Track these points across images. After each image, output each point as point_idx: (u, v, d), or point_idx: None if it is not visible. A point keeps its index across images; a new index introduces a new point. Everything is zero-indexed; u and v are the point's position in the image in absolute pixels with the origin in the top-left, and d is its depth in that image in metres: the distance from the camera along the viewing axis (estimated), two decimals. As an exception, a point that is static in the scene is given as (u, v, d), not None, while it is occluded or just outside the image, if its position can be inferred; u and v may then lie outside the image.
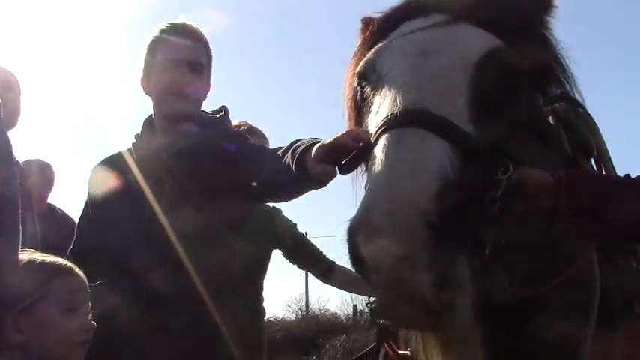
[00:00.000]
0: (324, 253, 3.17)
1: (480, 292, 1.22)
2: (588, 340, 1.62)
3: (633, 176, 1.52)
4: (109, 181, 2.16)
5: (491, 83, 1.38)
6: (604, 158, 1.87)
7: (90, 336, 1.55)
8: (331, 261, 3.10)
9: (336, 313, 22.09)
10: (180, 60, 2.11)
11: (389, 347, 1.82)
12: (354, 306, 21.26)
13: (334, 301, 49.77)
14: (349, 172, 1.48)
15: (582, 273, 1.63)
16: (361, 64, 1.56)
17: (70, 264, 1.58)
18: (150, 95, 2.20)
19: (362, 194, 1.30)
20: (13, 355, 1.39)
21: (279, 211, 3.08)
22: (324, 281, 3.14)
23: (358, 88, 1.58)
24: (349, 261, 1.22)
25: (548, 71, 1.55)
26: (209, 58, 2.21)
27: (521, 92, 1.46)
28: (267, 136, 3.11)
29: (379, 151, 1.23)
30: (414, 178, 1.14)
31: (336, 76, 1.79)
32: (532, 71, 1.47)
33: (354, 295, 24.56)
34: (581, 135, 1.73)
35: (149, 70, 2.18)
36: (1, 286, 1.36)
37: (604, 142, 1.87)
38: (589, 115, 1.78)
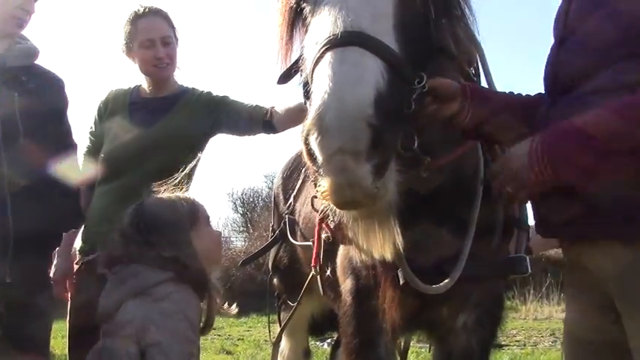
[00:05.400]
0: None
1: (408, 175, 1.57)
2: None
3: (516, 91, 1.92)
4: None
5: (410, 8, 1.63)
6: (485, 68, 2.16)
7: None
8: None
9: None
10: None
11: (327, 227, 2.20)
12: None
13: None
14: (285, 83, 1.80)
15: (470, 157, 2.07)
16: None
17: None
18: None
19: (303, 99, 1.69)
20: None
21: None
22: (269, 131, 2.98)
23: (295, 7, 1.76)
24: (305, 157, 1.49)
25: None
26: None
27: (431, 15, 1.71)
28: None
29: (325, 66, 1.45)
30: (358, 89, 1.40)
31: None
32: None
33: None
34: (463, 45, 1.97)
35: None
36: None
37: (483, 51, 2.14)
38: (470, 29, 1.99)
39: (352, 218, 1.63)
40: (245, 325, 10.63)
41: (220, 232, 2.34)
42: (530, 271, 2.21)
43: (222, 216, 28.79)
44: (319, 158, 1.41)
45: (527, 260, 2.22)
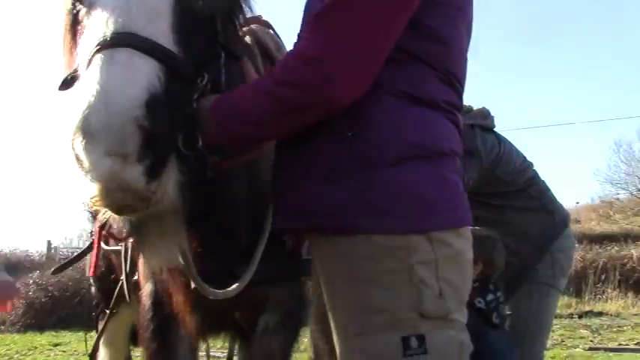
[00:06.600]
0: None
1: (192, 175, 1.52)
2: None
3: None
4: None
5: (190, 10, 1.64)
6: None
7: None
8: None
9: (27, 251, 21.23)
10: None
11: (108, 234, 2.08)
12: (48, 242, 20.14)
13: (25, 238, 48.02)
14: (68, 89, 1.66)
15: (266, 160, 2.01)
16: None
17: None
18: None
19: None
20: None
21: None
22: None
23: (72, 10, 1.69)
24: (74, 162, 1.41)
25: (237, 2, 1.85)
26: None
27: (217, 18, 1.74)
28: None
29: (94, 68, 1.41)
30: (126, 91, 1.37)
31: None
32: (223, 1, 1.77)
33: (48, 231, 24.96)
34: (266, 46, 2.06)
35: None
36: None
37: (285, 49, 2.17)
38: (274, 30, 2.09)
39: (131, 224, 1.58)
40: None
41: None
42: None
43: (78, 227, 27.65)
44: (85, 163, 1.36)
45: None
